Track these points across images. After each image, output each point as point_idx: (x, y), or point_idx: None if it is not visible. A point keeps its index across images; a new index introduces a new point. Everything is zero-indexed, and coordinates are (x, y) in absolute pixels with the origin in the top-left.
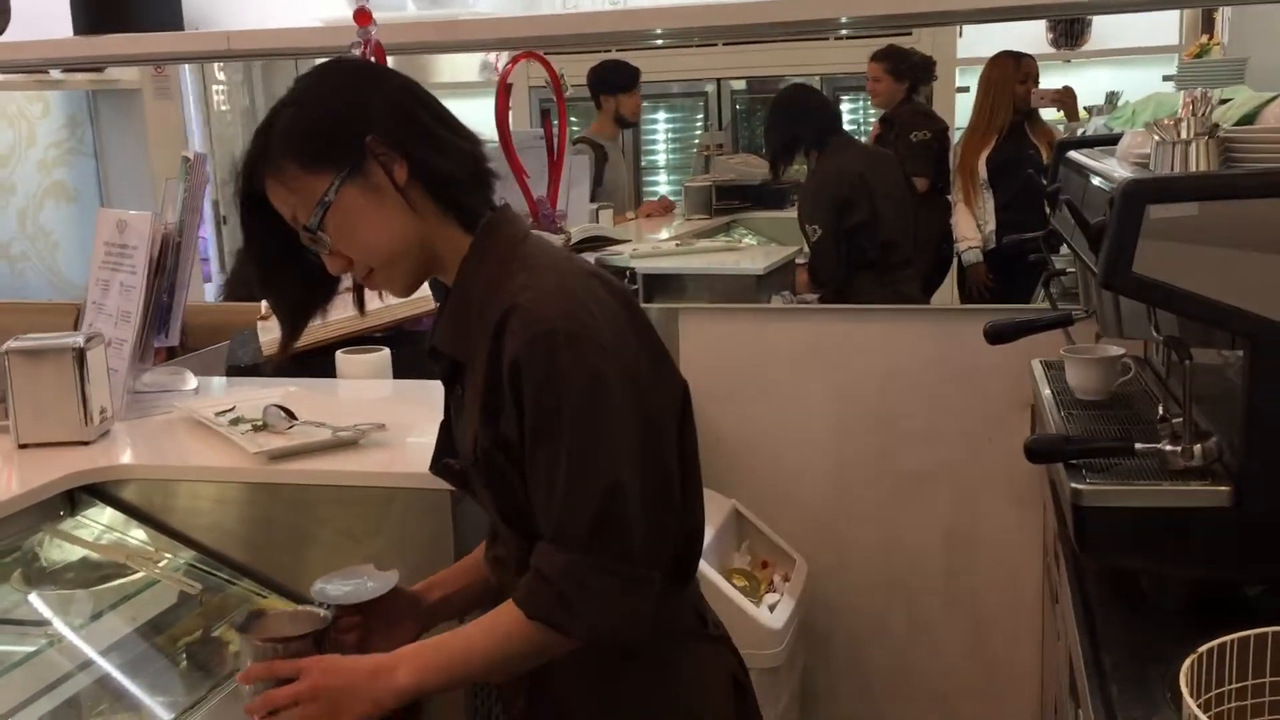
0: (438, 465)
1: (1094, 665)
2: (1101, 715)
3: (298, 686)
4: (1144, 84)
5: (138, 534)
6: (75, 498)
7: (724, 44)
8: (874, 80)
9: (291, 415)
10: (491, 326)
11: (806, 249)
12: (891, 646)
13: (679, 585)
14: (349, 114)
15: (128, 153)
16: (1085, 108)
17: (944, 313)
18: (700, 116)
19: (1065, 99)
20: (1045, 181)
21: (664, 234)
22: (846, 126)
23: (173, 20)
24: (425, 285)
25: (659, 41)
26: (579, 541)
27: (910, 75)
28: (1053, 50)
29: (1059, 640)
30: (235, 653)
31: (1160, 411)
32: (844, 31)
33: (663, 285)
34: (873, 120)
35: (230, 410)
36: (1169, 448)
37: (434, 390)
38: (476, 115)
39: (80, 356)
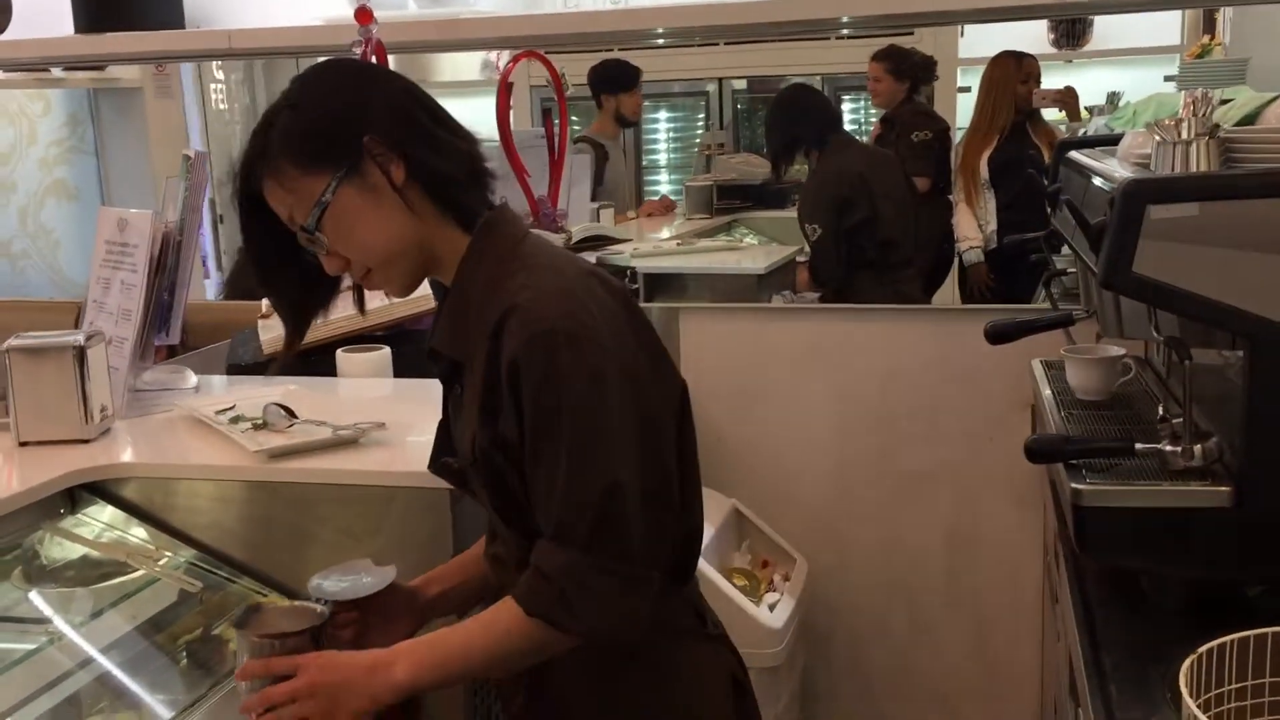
0: (436, 464)
1: (1094, 665)
2: (1101, 715)
3: (295, 683)
4: (1145, 84)
5: (138, 532)
6: (75, 496)
7: (725, 43)
8: (875, 80)
9: (292, 414)
10: (490, 326)
11: (807, 248)
12: (892, 646)
13: (678, 584)
14: (346, 114)
15: (129, 151)
16: (1086, 108)
17: (945, 312)
18: (701, 116)
19: (1067, 99)
20: (1046, 181)
21: (665, 233)
22: (847, 126)
23: (174, 19)
24: (426, 284)
25: (660, 41)
26: (579, 540)
27: (911, 75)
28: (1054, 50)
29: (1059, 640)
30: (235, 651)
31: (1160, 412)
32: (845, 31)
33: (664, 285)
34: (874, 120)
35: (230, 409)
36: (1169, 448)
37: (434, 389)
38: (477, 114)
39: (81, 355)
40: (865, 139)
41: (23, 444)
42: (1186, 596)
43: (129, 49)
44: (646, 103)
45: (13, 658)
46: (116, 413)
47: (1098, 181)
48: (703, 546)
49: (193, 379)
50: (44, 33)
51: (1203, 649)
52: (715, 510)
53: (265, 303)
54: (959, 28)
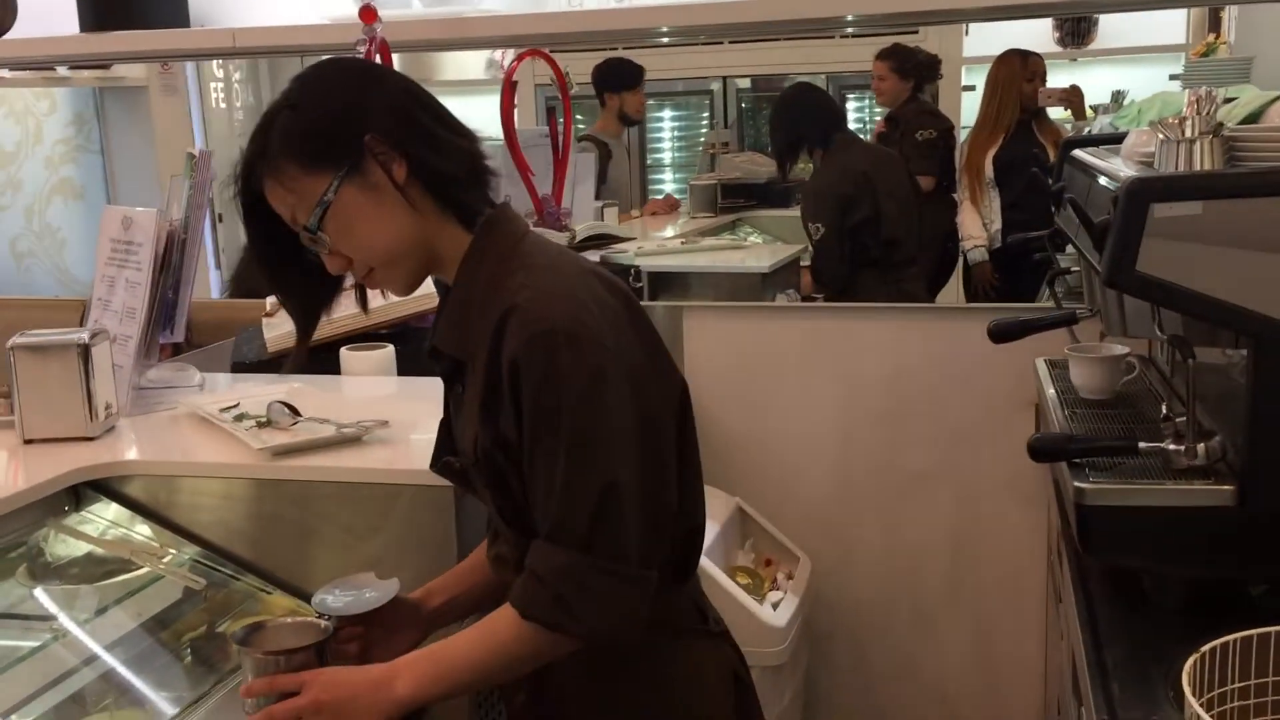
0: (439, 464)
1: (1096, 664)
2: (1104, 714)
3: (299, 701)
4: (1150, 83)
5: (142, 529)
6: (80, 493)
7: (729, 42)
8: (879, 79)
9: (295, 412)
10: (491, 326)
11: (811, 248)
12: (895, 644)
13: (679, 582)
14: (347, 114)
15: (134, 150)
16: (1091, 106)
17: (949, 311)
18: (705, 114)
19: (1072, 98)
20: (1051, 180)
21: (669, 232)
22: (852, 125)
23: (178, 17)
24: (429, 281)
25: (664, 39)
26: (578, 540)
27: (915, 74)
28: (1059, 49)
29: (1062, 639)
30: (238, 651)
31: (1164, 410)
32: (850, 30)
33: (667, 283)
34: (878, 119)
35: (235, 406)
36: (1172, 447)
37: (438, 387)
38: (481, 113)
39: (85, 352)
40: (869, 138)
41: (28, 441)
42: (1189, 595)
43: (134, 48)
44: (651, 101)
45: (17, 654)
46: (121, 410)
47: (1102, 180)
48: (706, 545)
49: (197, 377)
50: (49, 32)
51: (1205, 648)
52: (719, 508)
53: (270, 300)
54: (964, 26)
